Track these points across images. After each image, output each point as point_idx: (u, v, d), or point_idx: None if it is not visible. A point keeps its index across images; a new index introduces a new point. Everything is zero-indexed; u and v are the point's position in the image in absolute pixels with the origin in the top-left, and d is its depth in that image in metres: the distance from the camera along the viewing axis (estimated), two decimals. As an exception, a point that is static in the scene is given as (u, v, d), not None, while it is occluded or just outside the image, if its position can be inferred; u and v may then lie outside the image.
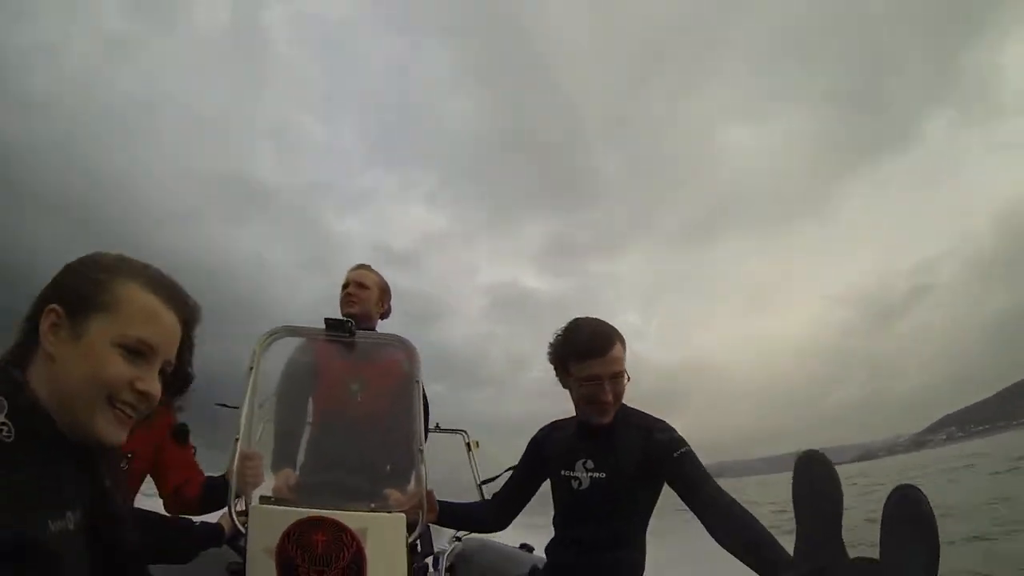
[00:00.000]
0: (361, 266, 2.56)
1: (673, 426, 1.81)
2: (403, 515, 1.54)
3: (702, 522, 1.62)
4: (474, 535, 3.73)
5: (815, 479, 1.07)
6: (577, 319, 1.88)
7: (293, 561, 1.40)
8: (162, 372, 0.94)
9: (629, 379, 1.81)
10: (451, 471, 1.99)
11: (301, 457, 2.16)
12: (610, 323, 1.84)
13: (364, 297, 2.47)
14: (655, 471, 1.75)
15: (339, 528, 1.42)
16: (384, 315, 2.58)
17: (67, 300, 0.90)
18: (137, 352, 0.89)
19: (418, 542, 1.66)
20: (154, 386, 0.89)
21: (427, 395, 2.23)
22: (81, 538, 0.93)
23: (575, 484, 1.84)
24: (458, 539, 3.78)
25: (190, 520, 1.69)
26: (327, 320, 1.92)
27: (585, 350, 1.78)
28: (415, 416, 1.78)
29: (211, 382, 1.75)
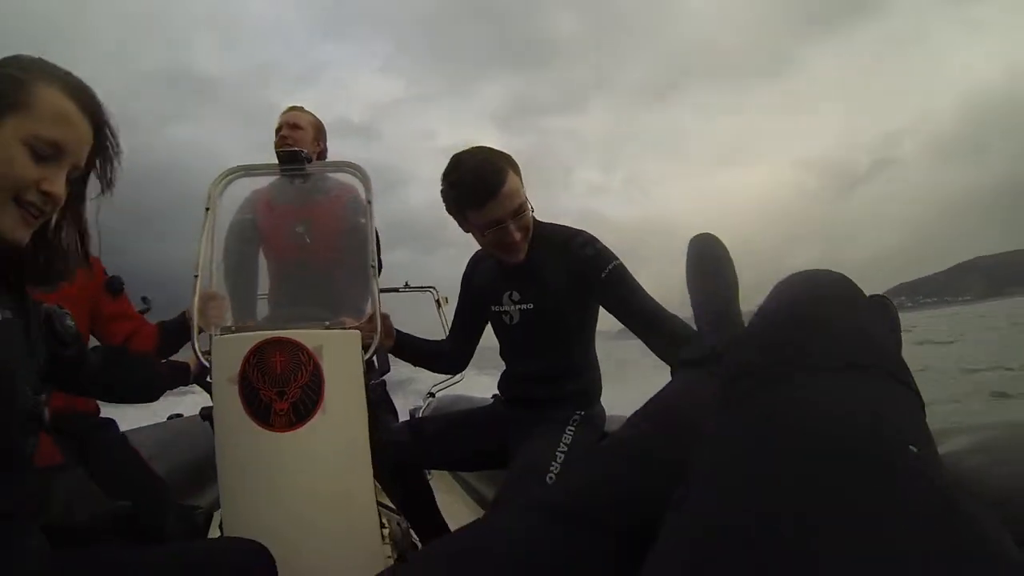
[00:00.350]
0: (293, 108, 2.48)
1: (595, 236, 1.67)
2: (357, 332, 1.55)
3: (642, 340, 1.59)
4: (447, 391, 3.85)
5: (704, 259, 1.03)
6: (458, 156, 1.65)
7: (254, 384, 1.41)
8: (69, 178, 0.91)
9: (533, 210, 1.66)
10: (423, 332, 1.98)
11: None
12: (494, 149, 1.65)
13: (299, 138, 2.38)
14: (585, 293, 1.65)
15: (296, 347, 1.43)
16: (321, 155, 2.49)
17: None
18: (46, 154, 0.87)
19: (375, 359, 1.68)
20: (59, 187, 0.87)
21: (380, 236, 2.22)
22: (15, 331, 0.93)
23: (506, 319, 1.77)
24: (432, 395, 3.89)
25: (149, 355, 1.69)
26: (279, 153, 1.87)
27: (476, 194, 1.59)
28: (366, 237, 1.76)
29: (176, 281, 1.79)
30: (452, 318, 2.05)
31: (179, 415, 3.14)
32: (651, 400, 1.06)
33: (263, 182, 2.18)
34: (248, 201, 2.18)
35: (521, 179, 1.63)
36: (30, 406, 0.90)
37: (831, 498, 0.49)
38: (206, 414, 1.65)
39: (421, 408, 3.79)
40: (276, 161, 1.97)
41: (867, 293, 0.86)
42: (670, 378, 1.20)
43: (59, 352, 1.07)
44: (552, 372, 1.72)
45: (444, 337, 2.07)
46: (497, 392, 1.97)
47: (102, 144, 0.98)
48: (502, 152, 1.63)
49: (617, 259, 1.62)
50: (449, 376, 3.68)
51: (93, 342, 1.81)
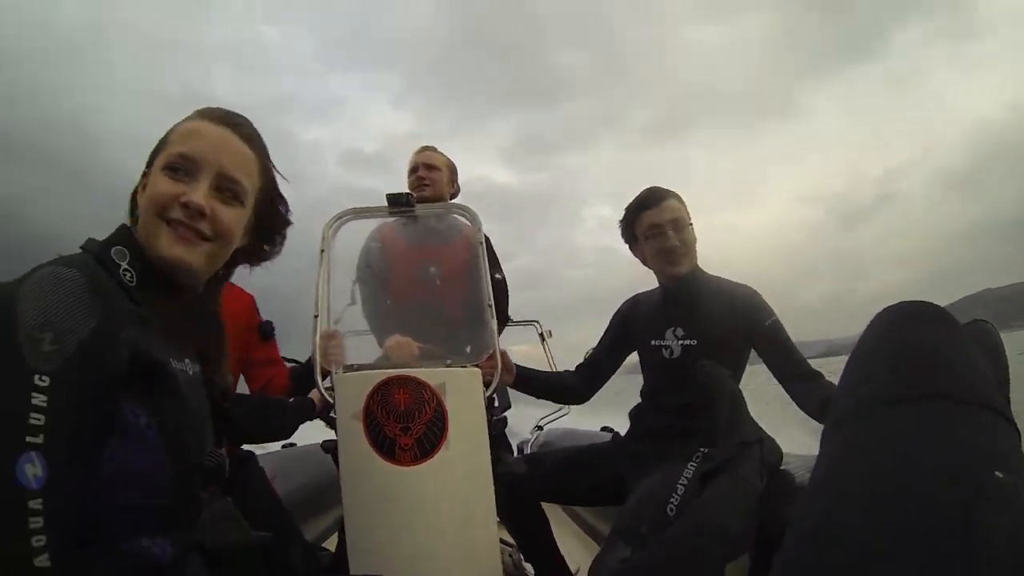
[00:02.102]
0: (426, 148, 2.50)
1: (756, 291, 1.85)
2: (478, 370, 1.57)
3: (786, 390, 1.72)
4: (555, 423, 3.83)
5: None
6: None
7: (379, 421, 1.44)
8: (224, 191, 0.94)
9: (695, 238, 1.86)
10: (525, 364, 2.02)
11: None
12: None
13: (435, 179, 2.41)
14: (747, 337, 1.78)
15: (419, 384, 1.45)
16: (454, 196, 2.53)
17: (152, 157, 0.95)
18: (178, 168, 0.91)
19: (495, 396, 1.70)
20: (198, 196, 0.89)
21: (505, 277, 2.24)
22: (201, 386, 0.98)
23: (666, 353, 1.85)
24: (539, 428, 3.88)
25: (282, 398, 1.77)
26: (388, 196, 1.92)
27: (640, 205, 1.88)
28: (482, 275, 1.79)
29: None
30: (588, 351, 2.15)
31: (292, 444, 3.25)
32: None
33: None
34: (376, 233, 2.23)
35: (686, 211, 1.86)
36: (216, 460, 0.95)
37: (905, 530, 0.51)
38: (328, 447, 1.69)
39: (530, 441, 3.77)
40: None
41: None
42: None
43: (221, 407, 1.13)
44: (694, 404, 1.74)
45: (549, 368, 2.10)
46: (606, 426, 2.07)
47: (259, 157, 1.01)
48: (676, 193, 1.88)
49: (776, 315, 1.79)
50: (558, 409, 3.66)
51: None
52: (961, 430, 0.62)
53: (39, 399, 0.65)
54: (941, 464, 0.57)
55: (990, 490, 0.54)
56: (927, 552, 0.50)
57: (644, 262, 1.93)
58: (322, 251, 1.83)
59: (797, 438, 1.78)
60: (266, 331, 1.95)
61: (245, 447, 1.85)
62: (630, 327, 2.01)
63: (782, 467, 1.56)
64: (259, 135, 1.02)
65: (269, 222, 1.07)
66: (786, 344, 1.76)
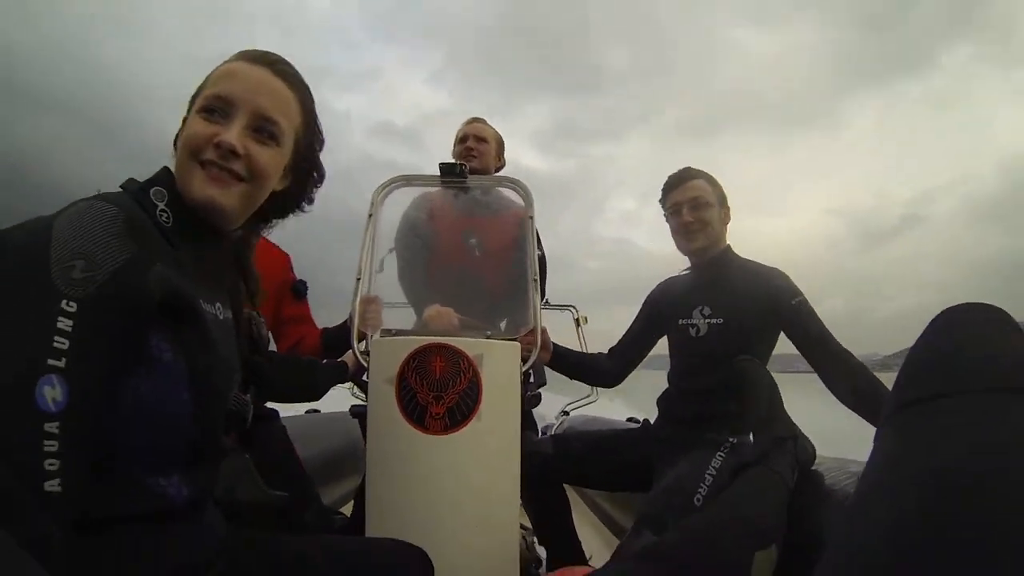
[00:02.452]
0: (476, 119, 2.48)
1: (786, 273, 1.84)
2: (517, 343, 1.56)
3: (816, 371, 1.68)
4: (580, 411, 3.81)
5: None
6: None
7: (412, 387, 1.44)
8: (260, 131, 0.93)
9: (728, 219, 1.93)
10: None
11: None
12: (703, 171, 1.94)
13: (484, 151, 2.40)
14: (772, 317, 1.76)
15: (456, 354, 1.45)
16: (499, 169, 2.51)
17: (189, 106, 0.94)
18: (213, 109, 0.90)
19: (531, 372, 1.69)
20: (232, 136, 0.88)
21: (545, 255, 2.22)
22: (231, 331, 0.98)
23: (693, 331, 1.85)
24: (565, 413, 3.87)
25: (314, 359, 1.77)
26: (441, 165, 1.91)
27: (667, 184, 1.96)
28: (528, 251, 1.78)
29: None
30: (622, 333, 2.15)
31: (316, 411, 3.27)
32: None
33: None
34: (420, 201, 2.22)
35: (718, 193, 1.91)
36: (239, 406, 0.95)
37: (968, 524, 0.50)
38: (356, 412, 1.70)
39: (554, 426, 3.77)
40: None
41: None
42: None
43: (250, 357, 1.13)
44: (721, 388, 1.76)
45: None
46: (633, 416, 2.07)
47: (304, 104, 1.00)
48: (709, 174, 1.93)
49: (803, 294, 1.76)
50: (585, 396, 3.65)
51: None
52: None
53: (65, 323, 0.65)
54: (1010, 455, 0.55)
55: None
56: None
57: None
58: (370, 215, 1.84)
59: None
60: (299, 290, 1.97)
61: (270, 405, 1.87)
62: (661, 309, 2.03)
63: (814, 467, 1.53)
64: (299, 75, 1.00)
65: (309, 163, 1.05)
66: (814, 324, 1.73)
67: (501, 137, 2.51)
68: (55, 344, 0.63)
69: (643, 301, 2.11)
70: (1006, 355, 0.69)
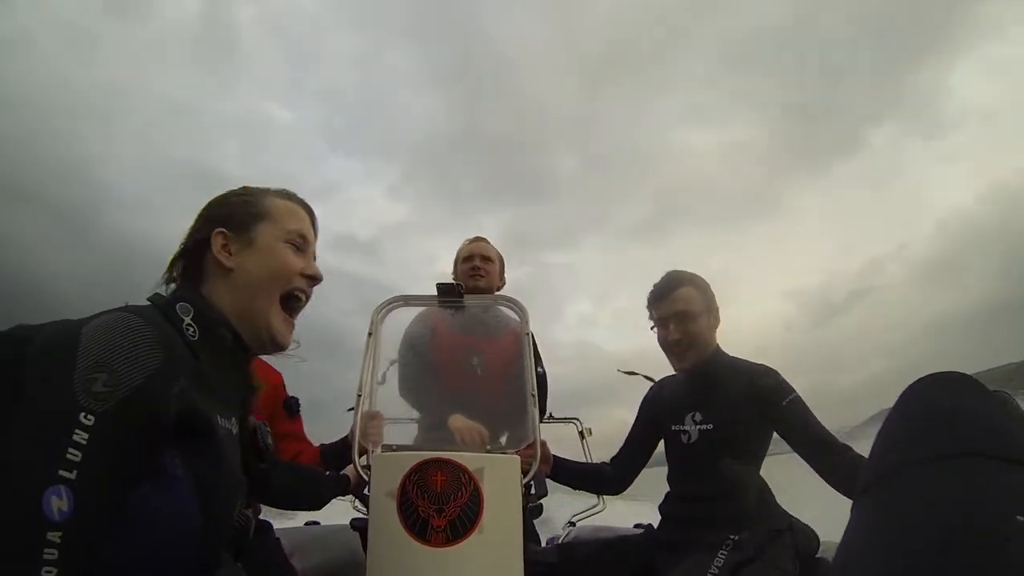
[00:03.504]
0: (479, 238, 2.56)
1: (775, 369, 1.83)
2: (517, 457, 1.58)
3: (815, 470, 1.66)
4: (587, 521, 3.73)
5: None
6: None
7: (413, 500, 1.46)
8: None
9: (717, 322, 1.92)
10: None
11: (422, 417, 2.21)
12: (688, 272, 1.95)
13: (490, 270, 2.47)
14: (763, 419, 1.77)
15: (457, 468, 1.47)
16: (500, 288, 2.57)
17: (227, 222, 1.05)
18: (298, 244, 1.06)
19: (532, 484, 1.70)
20: (317, 269, 1.02)
21: (546, 372, 2.26)
22: (237, 446, 1.03)
23: (684, 438, 1.87)
24: (572, 524, 3.78)
25: (319, 469, 1.80)
26: (439, 286, 1.99)
27: (652, 296, 1.93)
28: (526, 366, 1.81)
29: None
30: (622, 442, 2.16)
31: (315, 523, 3.22)
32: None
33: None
34: (421, 319, 2.27)
35: (706, 300, 1.89)
36: (242, 520, 0.99)
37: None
38: (357, 525, 1.70)
39: (560, 537, 3.67)
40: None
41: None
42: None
43: (255, 465, 1.16)
44: (715, 491, 1.75)
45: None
46: (640, 523, 2.11)
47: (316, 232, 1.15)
48: (696, 275, 1.92)
49: (795, 391, 1.74)
50: (592, 506, 3.60)
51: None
52: (994, 483, 0.64)
53: (80, 436, 0.68)
54: (974, 516, 0.59)
55: (1014, 533, 0.56)
56: None
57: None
58: (369, 334, 1.89)
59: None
60: (292, 407, 2.00)
61: (264, 516, 1.86)
62: (656, 413, 2.04)
63: (819, 555, 1.52)
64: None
65: None
66: (807, 421, 1.72)
67: (502, 257, 2.57)
68: (68, 455, 0.67)
69: (639, 404, 2.13)
70: (977, 421, 0.74)
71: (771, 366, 1.85)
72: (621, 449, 2.15)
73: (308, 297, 1.07)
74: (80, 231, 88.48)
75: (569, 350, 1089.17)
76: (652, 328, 1.97)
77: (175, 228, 1.05)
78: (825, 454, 1.65)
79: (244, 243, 1.04)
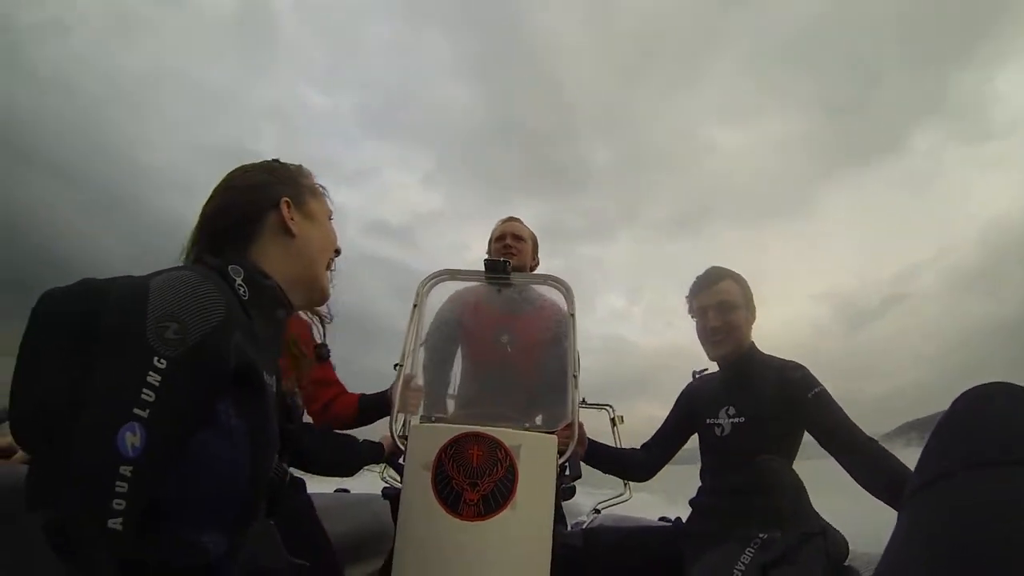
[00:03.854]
0: (512, 218, 2.58)
1: (804, 365, 1.85)
2: (555, 436, 1.59)
3: (840, 463, 1.67)
4: (612, 509, 3.74)
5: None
6: None
7: (448, 474, 1.48)
8: None
9: (754, 319, 1.96)
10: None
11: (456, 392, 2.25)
12: (729, 268, 2.01)
13: (522, 249, 2.47)
14: (792, 413, 1.77)
15: (494, 443, 1.49)
16: (533, 268, 2.58)
17: (289, 194, 1.14)
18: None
19: (567, 465, 1.71)
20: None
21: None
22: (276, 402, 1.05)
23: (718, 431, 1.90)
24: (597, 511, 3.80)
25: (353, 436, 1.83)
26: (486, 262, 2.00)
27: (694, 286, 2.02)
28: (569, 347, 1.83)
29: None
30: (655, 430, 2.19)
31: (345, 490, 3.28)
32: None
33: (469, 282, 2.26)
34: (455, 299, 2.29)
35: (746, 294, 1.95)
36: (279, 473, 1.02)
37: None
38: (388, 494, 1.72)
39: (585, 523, 3.69)
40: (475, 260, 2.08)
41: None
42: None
43: (284, 426, 1.19)
44: (751, 486, 1.74)
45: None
46: (665, 516, 2.25)
47: None
48: (737, 273, 1.97)
49: (822, 385, 1.76)
50: (618, 495, 3.61)
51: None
52: None
53: (154, 378, 0.72)
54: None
55: None
56: None
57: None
58: (415, 306, 1.93)
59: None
60: (323, 353, 2.03)
61: (298, 474, 1.91)
62: (692, 407, 2.06)
63: (847, 563, 1.50)
64: None
65: None
66: (831, 416, 1.73)
67: (535, 236, 2.58)
68: (143, 395, 0.71)
69: (676, 397, 2.15)
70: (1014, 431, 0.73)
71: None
72: (654, 436, 2.16)
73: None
74: (104, 203, 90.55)
75: (600, 342, 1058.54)
76: (692, 317, 2.02)
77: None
78: (850, 447, 1.66)
79: (304, 213, 1.14)
